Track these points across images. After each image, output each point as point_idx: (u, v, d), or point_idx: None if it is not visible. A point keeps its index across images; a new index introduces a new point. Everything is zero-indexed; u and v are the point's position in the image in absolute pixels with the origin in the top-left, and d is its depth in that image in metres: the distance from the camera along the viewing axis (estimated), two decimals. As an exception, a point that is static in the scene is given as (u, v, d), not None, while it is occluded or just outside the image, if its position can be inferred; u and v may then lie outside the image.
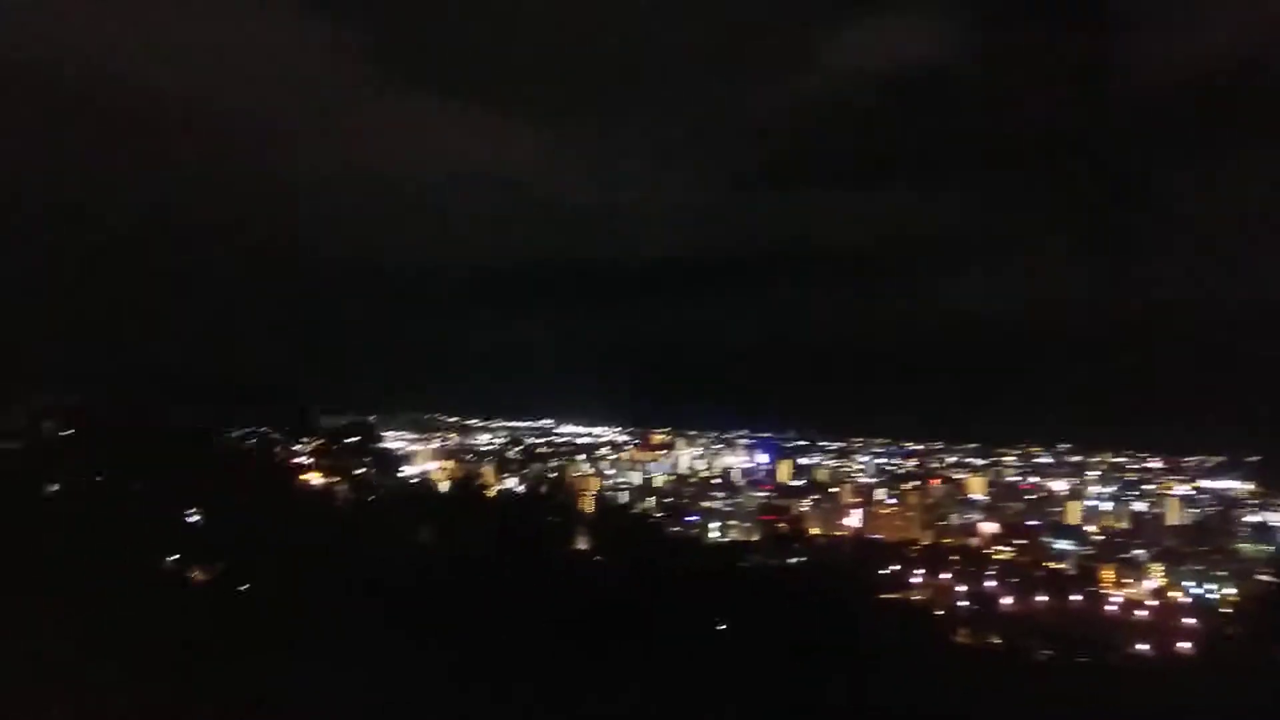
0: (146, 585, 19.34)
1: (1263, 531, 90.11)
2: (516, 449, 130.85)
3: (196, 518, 25.16)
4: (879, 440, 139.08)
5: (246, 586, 21.08)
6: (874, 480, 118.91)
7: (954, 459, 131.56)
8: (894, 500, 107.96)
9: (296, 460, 33.92)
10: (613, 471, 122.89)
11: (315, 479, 35.20)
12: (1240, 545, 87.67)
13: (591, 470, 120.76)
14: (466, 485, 50.24)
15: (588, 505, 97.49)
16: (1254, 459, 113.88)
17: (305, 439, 34.40)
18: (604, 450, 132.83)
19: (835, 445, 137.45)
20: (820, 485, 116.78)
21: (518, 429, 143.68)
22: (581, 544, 34.40)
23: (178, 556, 22.82)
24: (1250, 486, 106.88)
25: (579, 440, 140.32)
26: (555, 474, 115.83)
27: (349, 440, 38.17)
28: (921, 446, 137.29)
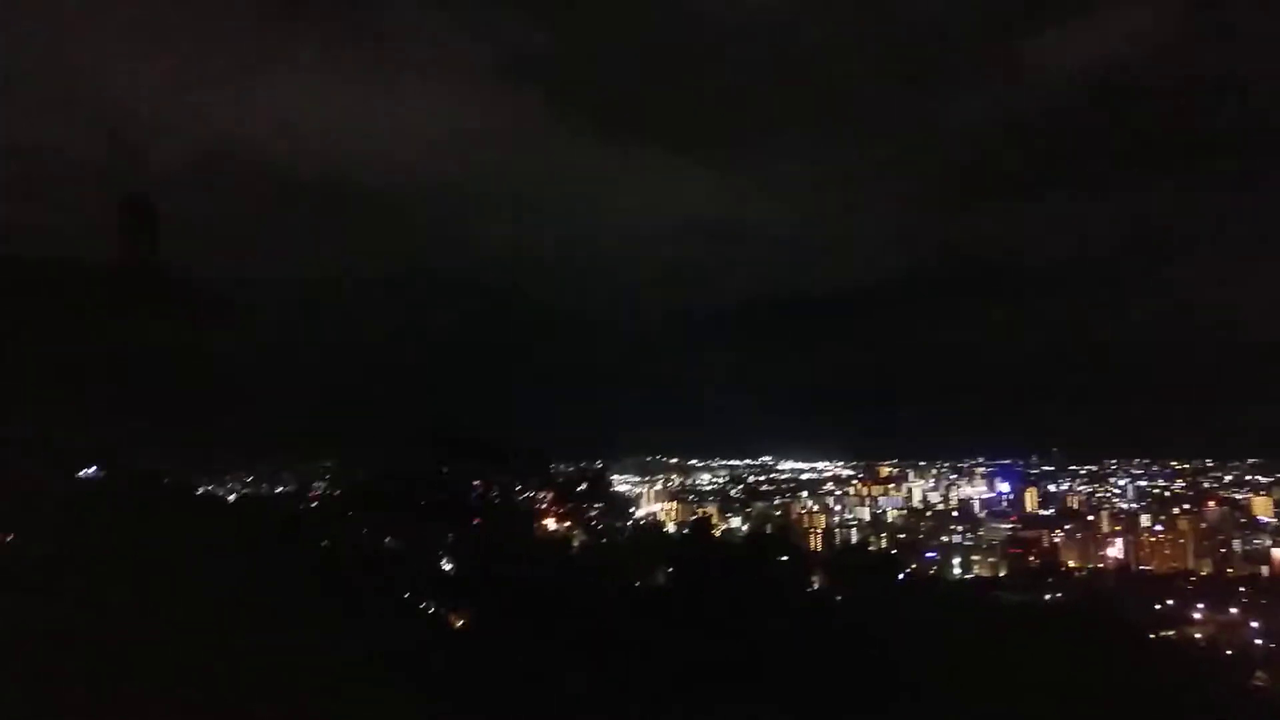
0: (409, 626, 20.86)
1: None
2: (738, 488, 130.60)
3: (449, 566, 26.99)
4: (1137, 461, 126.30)
5: (494, 629, 22.22)
6: (1135, 505, 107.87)
7: (1231, 477, 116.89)
8: (1161, 526, 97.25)
9: (537, 508, 35.68)
10: (839, 508, 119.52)
11: (553, 525, 36.83)
12: None
13: (817, 507, 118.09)
14: (697, 526, 50.68)
15: (816, 543, 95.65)
16: None
17: (543, 488, 36.16)
18: (829, 486, 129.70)
19: (1085, 469, 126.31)
20: (1072, 513, 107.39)
21: (737, 467, 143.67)
22: (815, 584, 33.59)
23: (434, 602, 24.51)
24: None
25: (802, 476, 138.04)
26: (779, 512, 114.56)
27: (581, 487, 39.68)
28: (1188, 465, 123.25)
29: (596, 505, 40.25)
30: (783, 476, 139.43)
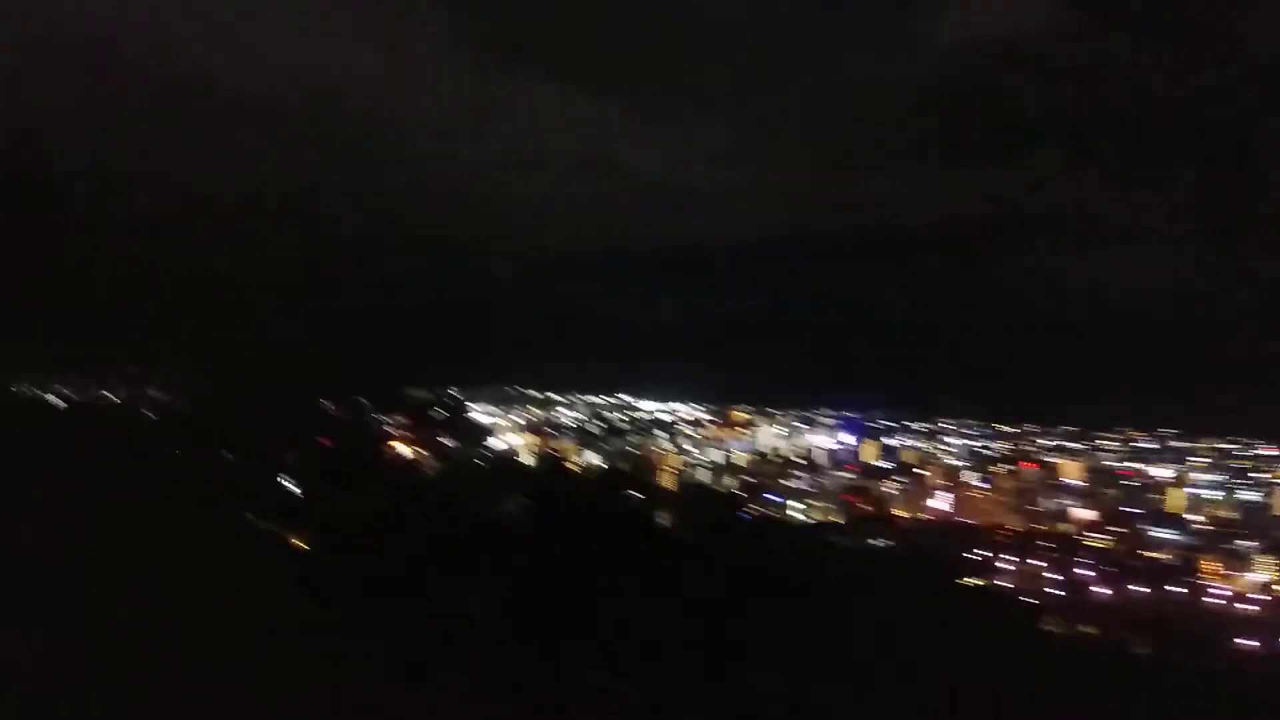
0: (242, 545, 20.14)
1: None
2: (597, 423, 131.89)
3: (293, 486, 26.13)
4: (970, 422, 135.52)
5: (338, 554, 21.77)
6: (964, 463, 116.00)
7: (1049, 443, 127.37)
8: (984, 483, 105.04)
9: (386, 430, 34.90)
10: (693, 449, 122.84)
11: (404, 450, 36.16)
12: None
13: (672, 447, 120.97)
14: (554, 459, 51.04)
15: (669, 482, 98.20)
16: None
17: (396, 412, 35.33)
18: (684, 427, 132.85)
19: (923, 427, 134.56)
20: (907, 467, 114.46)
21: (598, 404, 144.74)
22: (664, 519, 34.47)
23: (272, 522, 23.71)
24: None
25: (659, 416, 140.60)
26: (636, 450, 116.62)
27: (437, 413, 39.07)
28: (1015, 430, 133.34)
29: (452, 432, 39.74)
30: (641, 415, 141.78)
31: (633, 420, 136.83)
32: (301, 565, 21.33)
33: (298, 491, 25.73)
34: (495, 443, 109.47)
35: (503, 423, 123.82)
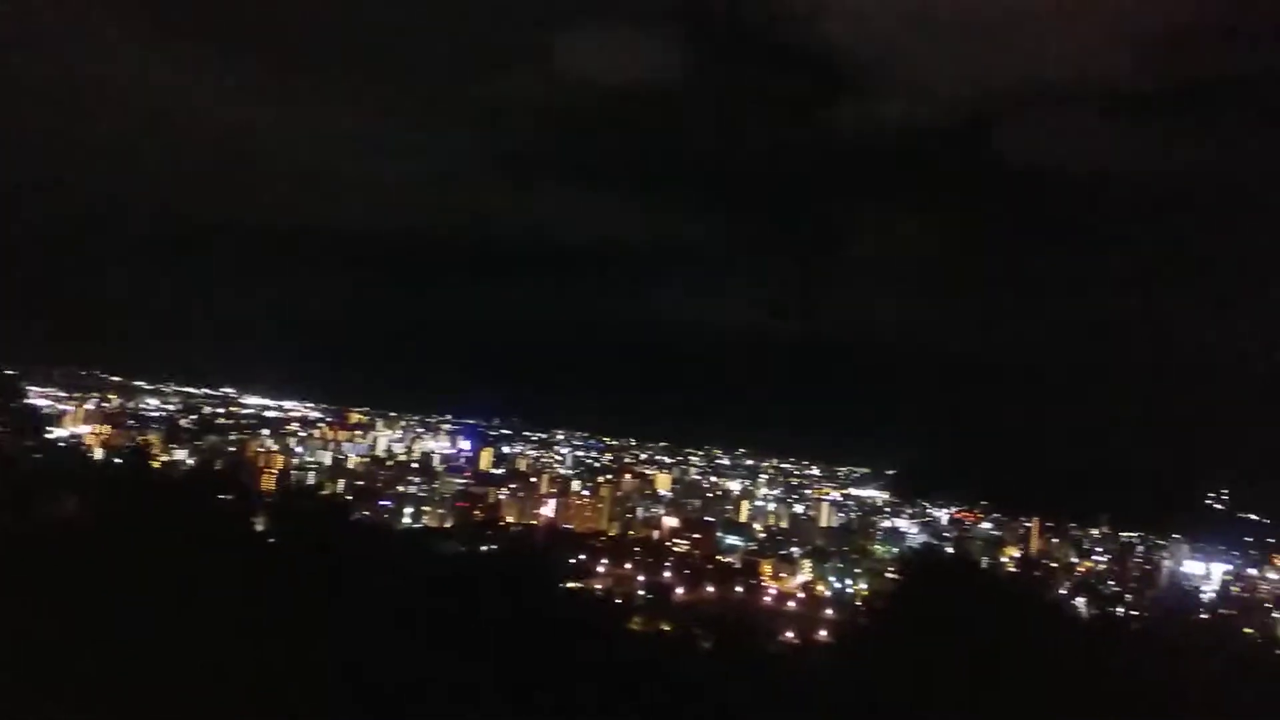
0: None
1: (894, 535, 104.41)
2: (191, 417, 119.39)
3: None
4: (579, 434, 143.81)
5: None
6: (572, 472, 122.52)
7: (646, 456, 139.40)
8: (588, 492, 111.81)
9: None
10: (301, 449, 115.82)
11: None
12: (875, 546, 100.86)
13: (277, 447, 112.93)
14: (132, 454, 44.95)
15: (270, 484, 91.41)
16: (891, 473, 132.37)
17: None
18: (294, 426, 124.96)
19: (538, 436, 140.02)
20: (519, 474, 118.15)
21: (194, 396, 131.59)
22: (258, 526, 32.14)
23: None
24: (886, 496, 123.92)
25: (266, 414, 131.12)
26: (234, 449, 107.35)
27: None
28: (619, 442, 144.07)
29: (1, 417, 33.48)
30: (245, 411, 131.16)
31: (235, 417, 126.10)
32: None
33: None
34: (60, 433, 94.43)
35: (74, 411, 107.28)
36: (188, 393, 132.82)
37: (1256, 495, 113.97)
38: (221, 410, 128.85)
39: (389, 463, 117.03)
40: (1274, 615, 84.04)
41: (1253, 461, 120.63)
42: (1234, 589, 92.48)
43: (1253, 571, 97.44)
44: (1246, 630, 76.55)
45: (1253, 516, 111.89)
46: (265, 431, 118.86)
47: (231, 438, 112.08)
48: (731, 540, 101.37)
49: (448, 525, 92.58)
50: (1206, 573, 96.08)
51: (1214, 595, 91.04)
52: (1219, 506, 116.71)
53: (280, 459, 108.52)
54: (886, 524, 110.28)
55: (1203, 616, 79.05)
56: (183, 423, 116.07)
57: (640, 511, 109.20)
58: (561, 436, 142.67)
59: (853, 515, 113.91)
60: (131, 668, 15.12)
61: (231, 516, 28.97)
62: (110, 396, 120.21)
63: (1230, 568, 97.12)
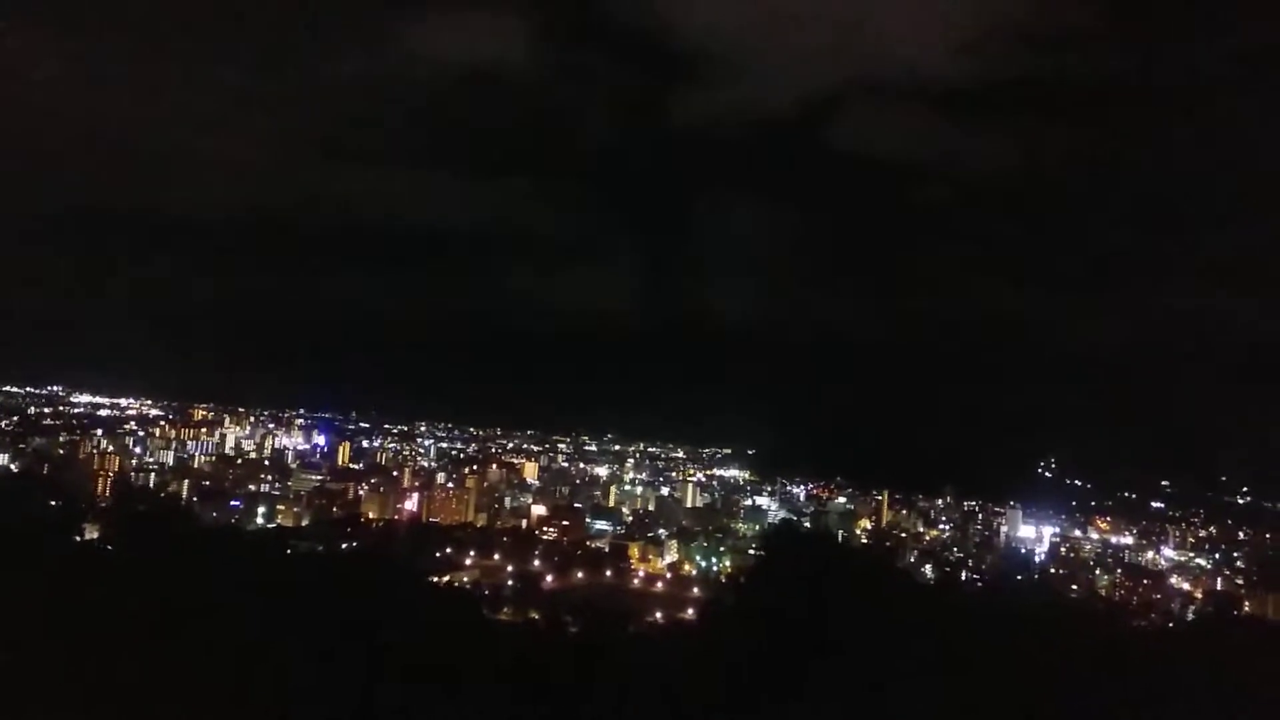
0: None
1: (755, 512, 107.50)
2: (11, 419, 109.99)
3: None
4: (443, 425, 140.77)
5: None
6: (435, 464, 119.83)
7: (513, 445, 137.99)
8: (453, 484, 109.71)
9: None
10: (140, 450, 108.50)
11: None
12: (738, 524, 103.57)
13: (112, 448, 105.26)
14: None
15: (104, 488, 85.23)
16: (751, 452, 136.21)
17: None
18: (132, 425, 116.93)
19: (399, 429, 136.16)
20: (380, 468, 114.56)
21: (16, 395, 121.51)
22: (91, 533, 29.92)
23: None
24: (748, 474, 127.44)
25: (100, 413, 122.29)
26: (64, 451, 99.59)
27: None
28: (484, 432, 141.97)
29: None
30: (76, 410, 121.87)
31: (64, 416, 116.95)
32: None
33: None
34: None
35: None
36: (8, 391, 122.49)
37: (1079, 462, 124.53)
38: (48, 410, 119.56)
39: (238, 460, 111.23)
40: (1097, 572, 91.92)
41: (1077, 431, 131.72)
42: (1061, 550, 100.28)
43: (1077, 533, 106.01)
44: (1073, 587, 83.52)
45: (1077, 482, 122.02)
46: (99, 431, 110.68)
47: (61, 439, 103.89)
48: (600, 525, 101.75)
49: (304, 524, 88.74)
50: (1038, 535, 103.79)
51: (1044, 556, 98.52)
52: (1048, 475, 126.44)
53: (117, 460, 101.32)
54: (748, 502, 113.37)
55: (1034, 577, 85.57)
56: (3, 424, 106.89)
57: (508, 501, 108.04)
58: (424, 428, 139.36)
59: (716, 495, 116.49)
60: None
61: (55, 526, 26.73)
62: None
63: (1057, 530, 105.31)
